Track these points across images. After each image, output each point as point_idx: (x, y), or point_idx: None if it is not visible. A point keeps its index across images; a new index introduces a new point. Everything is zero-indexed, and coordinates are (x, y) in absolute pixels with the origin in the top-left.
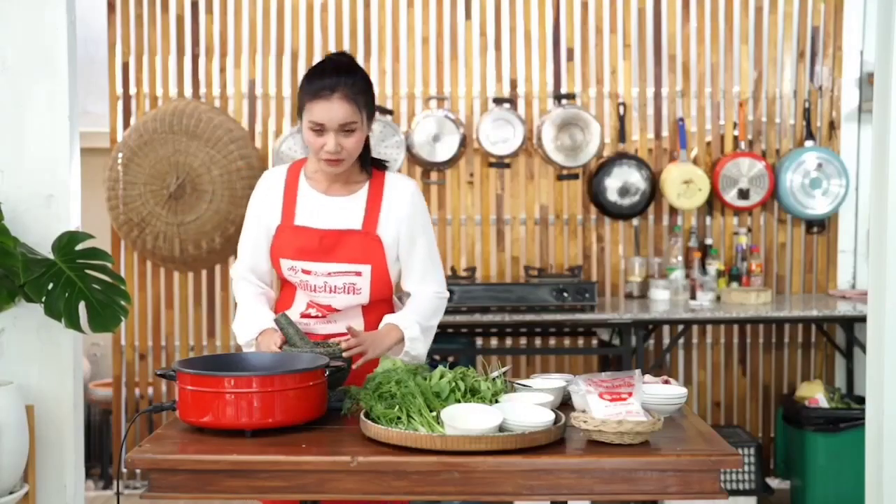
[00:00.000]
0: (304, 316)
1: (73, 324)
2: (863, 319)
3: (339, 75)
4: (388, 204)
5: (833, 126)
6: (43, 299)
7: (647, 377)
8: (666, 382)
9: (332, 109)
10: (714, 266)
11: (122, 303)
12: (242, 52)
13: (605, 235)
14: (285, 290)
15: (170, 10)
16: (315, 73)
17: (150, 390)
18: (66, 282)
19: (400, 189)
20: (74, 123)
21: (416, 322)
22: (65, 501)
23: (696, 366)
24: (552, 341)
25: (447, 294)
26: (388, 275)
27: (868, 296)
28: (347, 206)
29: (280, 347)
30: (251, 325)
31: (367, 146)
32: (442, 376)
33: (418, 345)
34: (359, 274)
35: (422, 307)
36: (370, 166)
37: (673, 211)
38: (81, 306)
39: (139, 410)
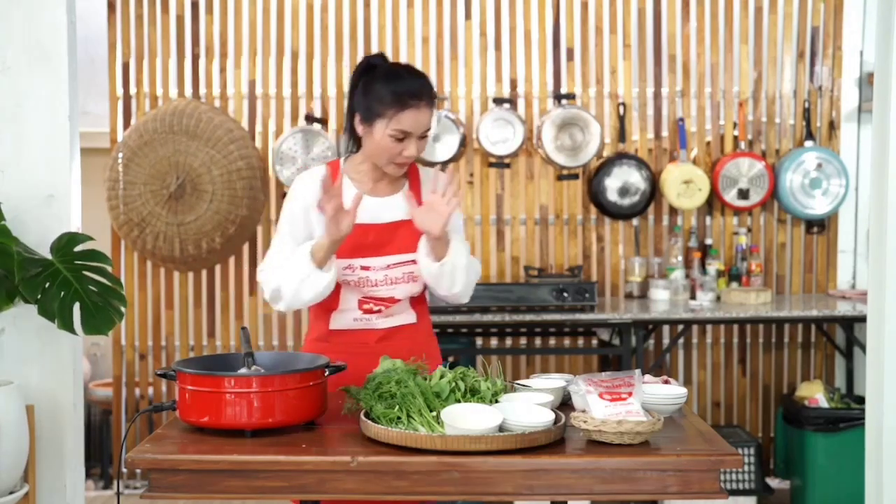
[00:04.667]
0: (366, 312)
1: (67, 325)
2: (863, 319)
3: (421, 81)
4: (426, 192)
5: (833, 126)
6: (38, 298)
7: (647, 377)
8: (666, 382)
9: (422, 117)
10: (714, 266)
11: (118, 306)
12: (242, 53)
13: (605, 235)
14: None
15: (170, 11)
16: (397, 80)
17: (150, 390)
18: (63, 282)
19: (433, 177)
20: (74, 123)
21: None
22: (65, 501)
23: (696, 366)
24: (552, 341)
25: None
26: None
27: (868, 296)
28: (392, 203)
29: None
30: (301, 251)
31: None
32: (442, 376)
33: (461, 259)
34: (415, 262)
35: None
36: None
37: (673, 211)
38: (76, 308)
39: (139, 410)
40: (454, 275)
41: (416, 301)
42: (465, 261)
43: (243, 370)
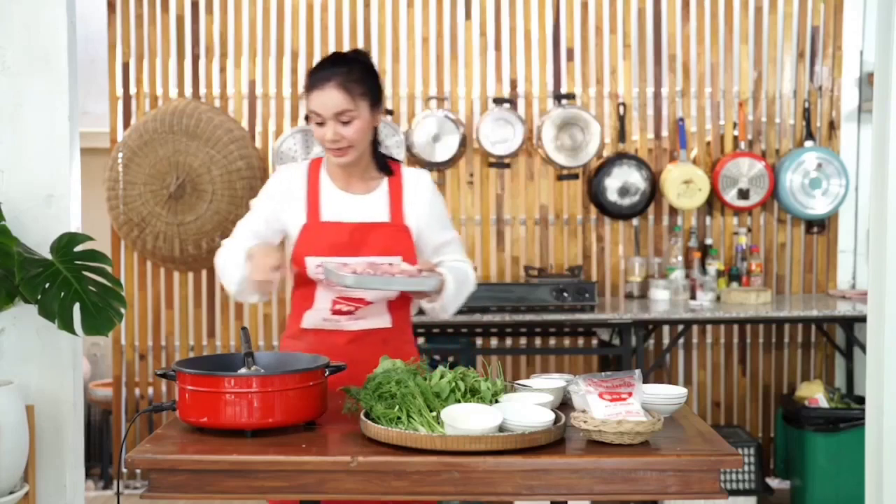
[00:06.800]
0: (334, 312)
1: (67, 325)
2: (863, 319)
3: (333, 66)
4: (409, 196)
5: (833, 126)
6: (38, 298)
7: None
8: None
9: (325, 97)
10: (714, 266)
11: (118, 306)
12: (242, 53)
13: (605, 235)
14: (302, 290)
15: (170, 11)
16: (314, 67)
17: (150, 390)
18: (63, 282)
19: (418, 181)
20: (74, 123)
21: (453, 280)
22: (65, 501)
23: (696, 366)
24: (552, 341)
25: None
26: (416, 264)
27: (868, 296)
28: (370, 202)
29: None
30: (237, 259)
31: (376, 143)
32: (442, 376)
33: (450, 302)
34: (392, 266)
35: (459, 272)
36: (385, 164)
37: (673, 211)
38: (76, 308)
39: (139, 410)
40: (446, 309)
41: (395, 305)
42: (454, 292)
43: (243, 370)
